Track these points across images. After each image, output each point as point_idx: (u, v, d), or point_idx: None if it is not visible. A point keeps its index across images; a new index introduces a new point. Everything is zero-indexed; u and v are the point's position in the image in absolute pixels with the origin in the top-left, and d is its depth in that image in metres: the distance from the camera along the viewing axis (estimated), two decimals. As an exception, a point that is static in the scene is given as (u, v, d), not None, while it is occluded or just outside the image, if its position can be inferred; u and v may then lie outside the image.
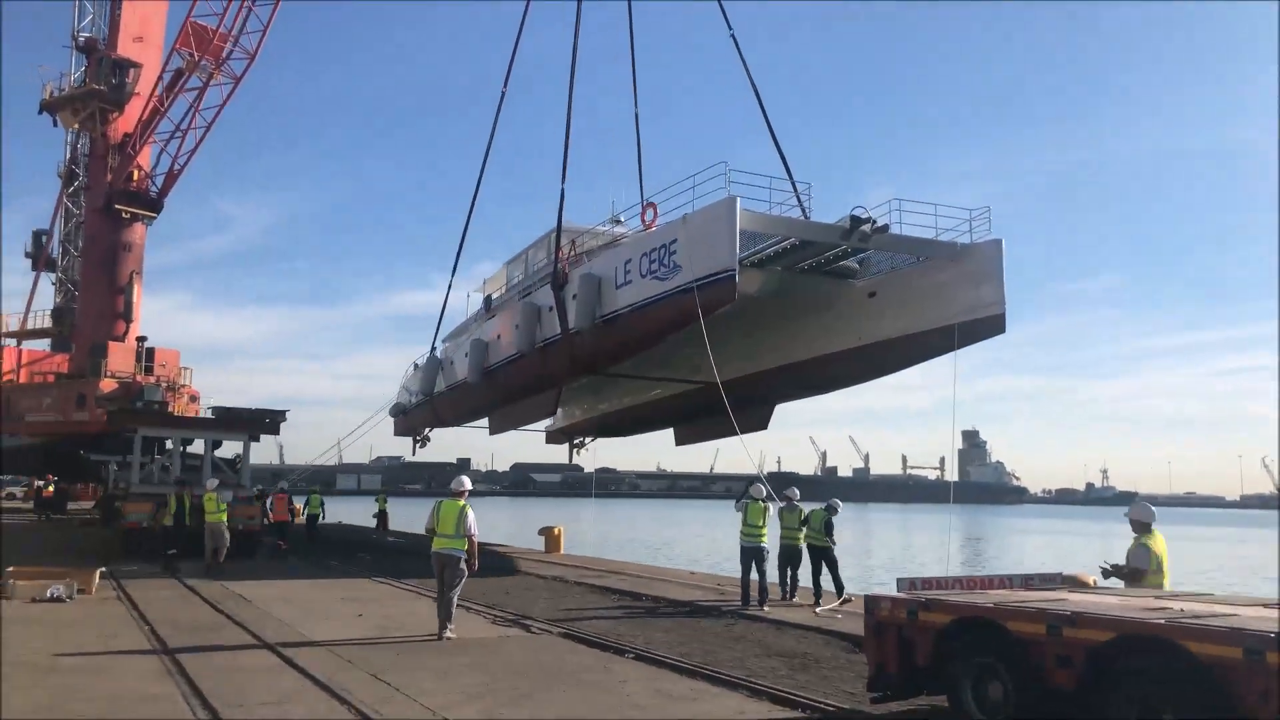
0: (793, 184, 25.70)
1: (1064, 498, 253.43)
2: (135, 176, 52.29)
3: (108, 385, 47.76)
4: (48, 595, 16.26)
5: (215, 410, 30.59)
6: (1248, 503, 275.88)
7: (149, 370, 51.27)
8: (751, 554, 17.66)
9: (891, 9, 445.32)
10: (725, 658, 12.45)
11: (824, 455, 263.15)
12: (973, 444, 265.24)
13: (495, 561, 26.98)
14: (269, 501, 30.10)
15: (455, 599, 13.88)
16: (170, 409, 40.58)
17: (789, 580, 18.72)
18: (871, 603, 9.42)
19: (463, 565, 13.62)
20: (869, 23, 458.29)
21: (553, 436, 39.00)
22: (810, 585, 18.64)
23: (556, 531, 31.75)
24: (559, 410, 34.38)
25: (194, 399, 51.78)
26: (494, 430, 34.51)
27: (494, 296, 31.95)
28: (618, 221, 30.02)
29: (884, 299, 24.63)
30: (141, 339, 52.57)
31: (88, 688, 9.80)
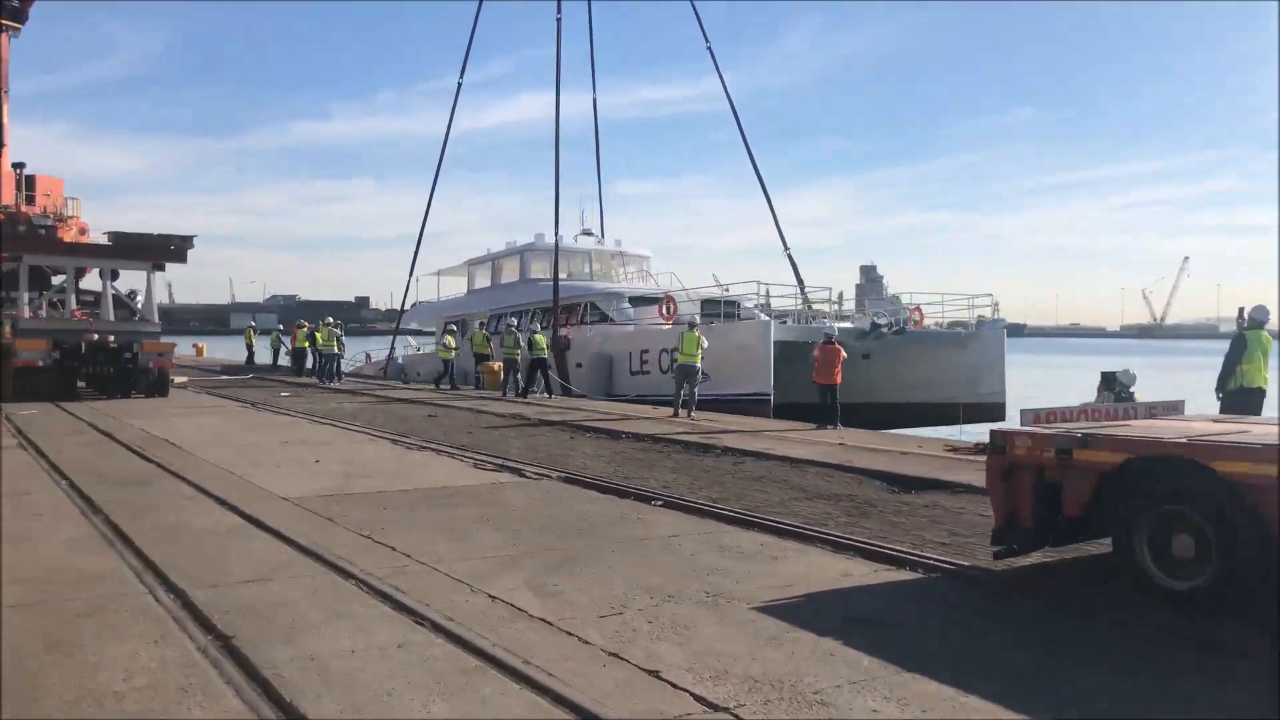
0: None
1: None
2: (-10, -24, 46.29)
3: (-13, 215, 43.05)
4: (-67, 445, 13.74)
5: (112, 236, 27.02)
6: (1126, 332, 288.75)
7: (30, 200, 46.88)
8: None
9: None
10: (763, 501, 10.80)
11: (726, 288, 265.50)
12: (869, 278, 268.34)
13: (439, 398, 25.06)
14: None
15: (695, 394, 20.36)
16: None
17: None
18: (1002, 440, 7.54)
19: (700, 373, 20.35)
20: None
21: None
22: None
23: (495, 367, 29.64)
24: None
25: (83, 232, 47.68)
26: None
27: (449, 323, 35.12)
28: (588, 234, 34.17)
29: (886, 366, 26.00)
30: (19, 165, 47.66)
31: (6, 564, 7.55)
